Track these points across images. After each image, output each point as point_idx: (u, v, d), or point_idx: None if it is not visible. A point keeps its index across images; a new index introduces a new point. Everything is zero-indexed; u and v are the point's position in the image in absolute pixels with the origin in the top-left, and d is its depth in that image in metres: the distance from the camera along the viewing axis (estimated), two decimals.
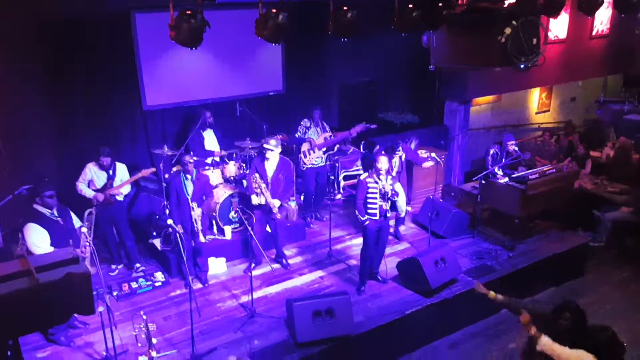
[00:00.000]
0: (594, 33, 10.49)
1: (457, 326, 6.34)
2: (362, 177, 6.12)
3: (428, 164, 7.58)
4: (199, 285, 6.47)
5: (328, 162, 8.10)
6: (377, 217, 6.05)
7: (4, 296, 3.44)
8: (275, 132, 8.30)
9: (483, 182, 7.50)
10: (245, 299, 6.16)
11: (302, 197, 8.11)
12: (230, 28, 7.57)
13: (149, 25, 7.22)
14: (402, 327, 5.89)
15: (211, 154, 7.53)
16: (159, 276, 6.53)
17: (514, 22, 5.70)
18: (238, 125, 8.24)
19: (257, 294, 6.17)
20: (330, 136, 7.77)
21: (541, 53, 5.99)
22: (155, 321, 5.42)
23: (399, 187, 7.26)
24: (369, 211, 6.04)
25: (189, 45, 4.61)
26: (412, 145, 7.90)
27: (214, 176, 7.24)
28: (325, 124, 7.83)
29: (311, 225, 7.95)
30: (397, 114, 10.02)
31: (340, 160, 8.68)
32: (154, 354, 4.81)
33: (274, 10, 4.84)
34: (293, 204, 7.66)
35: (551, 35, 9.56)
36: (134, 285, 6.36)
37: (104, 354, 5.18)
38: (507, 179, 7.38)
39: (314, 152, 7.68)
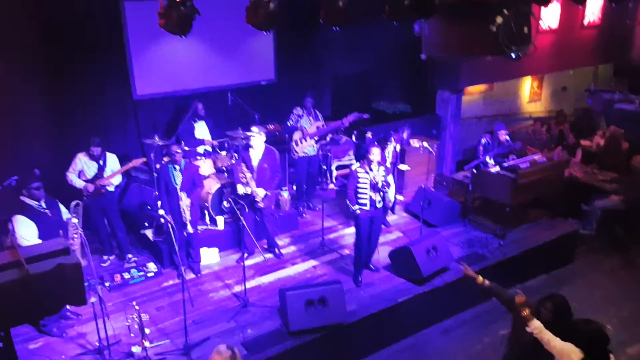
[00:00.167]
0: (585, 22, 10.52)
1: (448, 313, 6.39)
2: (353, 167, 6.13)
3: (415, 143, 7.54)
4: (192, 276, 6.46)
5: (320, 152, 8.10)
6: (368, 208, 6.06)
7: None
8: (268, 121, 8.28)
9: (474, 171, 7.52)
10: (238, 288, 6.16)
11: (294, 187, 8.10)
12: (221, 16, 7.50)
13: (139, 14, 7.14)
14: (395, 315, 5.94)
15: (202, 142, 7.50)
16: (152, 267, 6.52)
17: (505, 11, 5.70)
18: (230, 114, 8.20)
19: (250, 284, 6.17)
20: (323, 125, 7.76)
21: (532, 42, 6.00)
22: (148, 311, 5.44)
23: (390, 178, 7.28)
24: (360, 201, 6.06)
25: (178, 33, 4.58)
26: (405, 135, 7.91)
27: (205, 166, 7.21)
28: (317, 113, 7.81)
29: (304, 215, 7.95)
30: (389, 103, 10.01)
31: (333, 150, 8.67)
32: (147, 344, 4.83)
33: None
34: (285, 194, 7.66)
35: (543, 25, 9.57)
36: (126, 275, 6.34)
37: (97, 344, 5.18)
38: (498, 168, 7.41)
39: (306, 141, 7.67)
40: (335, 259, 6.87)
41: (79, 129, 7.04)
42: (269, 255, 6.85)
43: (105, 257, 6.75)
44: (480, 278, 4.38)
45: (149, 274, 6.42)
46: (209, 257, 6.74)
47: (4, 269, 3.68)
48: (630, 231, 8.04)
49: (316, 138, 7.74)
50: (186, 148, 7.09)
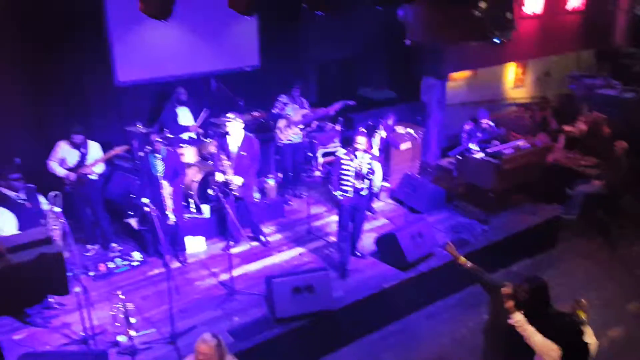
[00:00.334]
0: (568, 8, 10.56)
1: (434, 298, 6.45)
2: (338, 153, 6.13)
3: (405, 145, 7.55)
4: (178, 264, 6.43)
5: (306, 139, 8.07)
6: (351, 195, 6.06)
7: None
8: (252, 108, 8.22)
9: (459, 157, 7.56)
10: (224, 277, 6.15)
11: (280, 175, 8.07)
12: (203, 0, 7.40)
13: None
14: (381, 300, 5.97)
15: (186, 129, 7.42)
16: (136, 256, 6.47)
17: None
18: (214, 101, 8.12)
19: (236, 272, 6.15)
20: (308, 113, 7.72)
21: (515, 27, 6.02)
22: (134, 301, 5.40)
23: (376, 165, 7.28)
24: (342, 187, 6.05)
25: (158, 17, 4.51)
26: (390, 122, 7.92)
27: (189, 154, 7.15)
28: (303, 100, 7.77)
29: (290, 203, 7.94)
30: (375, 89, 9.99)
31: (318, 137, 8.65)
32: (132, 333, 4.79)
33: None
34: (271, 182, 7.63)
35: (527, 10, 9.60)
36: (110, 265, 6.29)
37: (82, 334, 5.13)
38: (482, 154, 7.45)
39: (291, 129, 7.63)
40: (321, 246, 6.87)
41: (60, 116, 6.93)
42: (254, 243, 6.83)
43: (89, 247, 6.68)
44: (462, 259, 4.41)
45: (134, 263, 6.37)
46: (195, 245, 6.71)
47: None
48: (612, 215, 8.16)
49: (301, 126, 7.71)
50: (170, 135, 7.02)
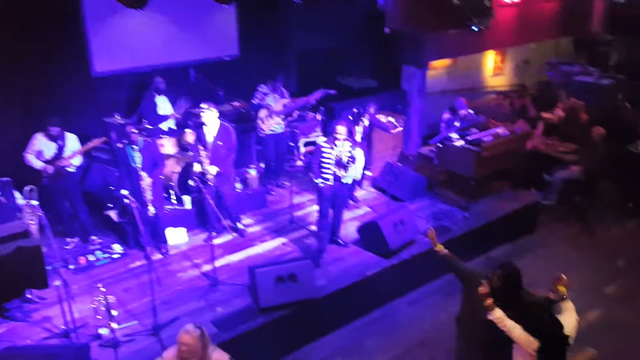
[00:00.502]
0: None
1: (416, 285, 6.50)
2: (319, 142, 6.14)
3: (396, 130, 7.54)
4: (160, 256, 6.38)
5: (287, 129, 8.04)
6: (331, 182, 6.07)
7: None
8: (232, 98, 8.16)
9: (439, 145, 7.61)
10: (207, 268, 6.12)
11: (262, 165, 8.04)
12: None
13: None
14: (364, 288, 6.01)
15: (165, 118, 7.34)
16: (117, 248, 6.41)
17: None
18: (193, 91, 8.04)
19: (219, 263, 6.13)
20: (289, 102, 7.69)
21: (494, 15, 6.05)
22: (115, 293, 5.35)
23: (358, 154, 7.27)
24: (323, 175, 6.06)
25: (134, 6, 4.45)
26: (372, 111, 7.91)
27: (168, 145, 7.08)
28: (284, 90, 7.73)
29: (272, 193, 7.91)
30: (355, 78, 9.98)
31: (300, 127, 8.63)
32: (114, 325, 4.76)
33: None
34: (253, 172, 7.60)
35: None
36: (91, 258, 6.22)
37: (63, 327, 5.08)
38: (462, 141, 7.51)
39: (273, 119, 7.60)
40: (304, 236, 6.88)
41: (36, 108, 6.81)
42: (235, 234, 6.81)
43: (68, 240, 6.60)
44: (439, 246, 4.44)
45: (115, 256, 6.31)
46: (177, 237, 6.67)
47: None
48: (589, 200, 8.31)
49: (282, 116, 7.67)
50: (149, 126, 6.95)
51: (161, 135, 7.17)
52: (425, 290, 6.55)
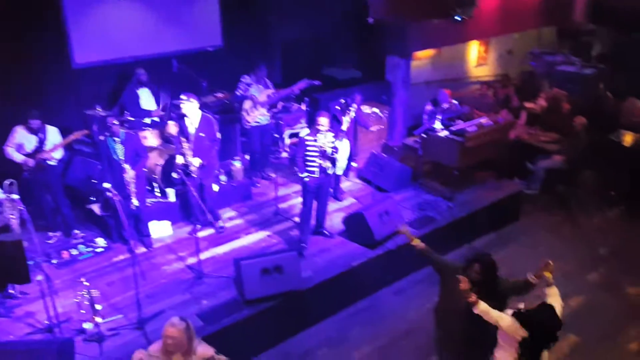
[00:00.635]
0: None
1: (401, 275, 6.54)
2: (301, 135, 6.11)
3: (375, 127, 7.52)
4: (144, 250, 6.33)
5: (272, 120, 7.99)
6: (317, 175, 6.06)
7: None
8: (216, 89, 8.09)
9: (424, 135, 7.63)
10: (192, 260, 6.09)
11: (247, 157, 8.00)
12: None
13: None
14: (350, 279, 6.03)
15: (148, 113, 7.26)
16: (100, 242, 6.35)
17: None
18: (176, 82, 7.95)
19: (204, 255, 6.10)
20: (273, 93, 7.64)
21: (477, 4, 6.05)
22: (99, 287, 5.30)
23: (344, 144, 7.24)
24: (308, 168, 6.04)
25: None
26: (357, 101, 7.88)
27: (151, 137, 7.01)
28: (267, 81, 7.67)
29: (257, 185, 7.88)
30: (340, 69, 9.94)
31: (285, 118, 8.59)
32: (99, 320, 4.73)
33: None
34: (238, 164, 7.56)
35: None
36: (74, 252, 6.16)
37: (47, 322, 5.03)
38: (446, 132, 7.54)
39: (257, 110, 7.55)
40: (289, 227, 6.87)
41: (15, 101, 6.68)
42: (221, 223, 6.78)
43: (50, 234, 6.53)
44: (416, 240, 4.45)
45: (98, 250, 6.25)
46: (161, 230, 6.62)
47: None
48: (572, 189, 8.41)
49: (267, 107, 7.63)
50: (130, 118, 6.87)
51: (144, 127, 7.09)
52: (410, 279, 6.59)
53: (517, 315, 3.79)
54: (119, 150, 5.90)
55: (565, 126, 8.66)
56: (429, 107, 7.94)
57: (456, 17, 5.93)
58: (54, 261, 6.02)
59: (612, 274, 6.75)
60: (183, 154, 6.23)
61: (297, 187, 7.79)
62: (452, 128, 7.55)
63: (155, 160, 6.81)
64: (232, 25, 8.40)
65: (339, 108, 7.18)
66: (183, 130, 6.27)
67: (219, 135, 6.51)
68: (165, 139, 7.23)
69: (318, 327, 5.83)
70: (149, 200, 6.60)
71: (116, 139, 5.90)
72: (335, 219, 6.85)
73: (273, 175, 7.69)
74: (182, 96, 6.25)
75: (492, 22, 9.75)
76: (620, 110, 9.72)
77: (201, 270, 5.85)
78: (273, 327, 5.47)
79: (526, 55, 11.81)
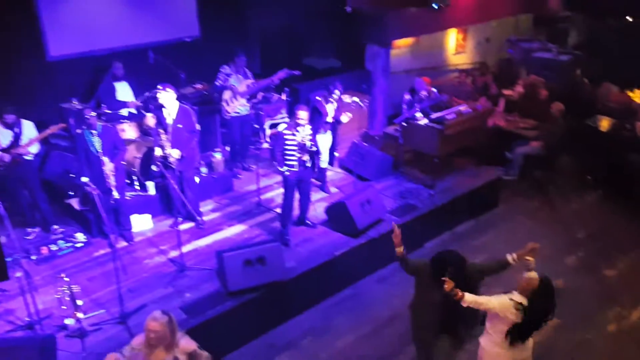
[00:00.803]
0: None
1: (384, 262, 6.57)
2: (279, 129, 6.08)
3: (345, 118, 7.47)
4: (124, 244, 6.27)
5: (252, 111, 7.94)
6: (296, 169, 6.05)
7: None
8: (194, 80, 8.01)
9: (404, 124, 7.67)
10: (174, 253, 6.05)
11: (227, 148, 7.95)
12: None
13: None
14: (333, 268, 6.06)
15: (124, 105, 7.16)
16: (80, 237, 6.27)
17: None
18: (153, 74, 7.83)
19: (186, 248, 6.07)
20: (253, 83, 7.59)
21: None
22: (80, 283, 5.23)
23: (327, 137, 7.23)
24: (288, 162, 6.03)
25: None
26: (337, 92, 7.86)
27: (130, 130, 6.92)
28: (247, 71, 7.61)
29: (238, 176, 7.84)
30: (319, 59, 9.90)
31: (265, 109, 8.54)
32: (80, 315, 4.68)
33: None
34: (218, 155, 7.51)
35: None
36: (53, 247, 6.07)
37: (27, 319, 4.97)
38: (426, 120, 7.57)
39: (237, 100, 7.49)
40: (272, 218, 6.86)
41: None
42: (206, 218, 6.74)
43: (29, 230, 6.43)
44: (399, 249, 4.46)
45: (78, 245, 6.18)
46: (141, 223, 6.56)
47: None
48: (550, 175, 8.53)
49: (247, 97, 7.57)
50: (107, 111, 6.77)
51: (121, 120, 6.99)
52: (393, 267, 6.62)
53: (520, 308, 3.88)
54: (97, 144, 5.82)
55: (542, 112, 8.77)
56: (407, 97, 7.97)
57: (434, 5, 5.93)
58: (33, 257, 5.93)
59: (590, 257, 6.89)
60: (162, 146, 6.17)
61: (279, 178, 7.77)
62: (432, 116, 7.59)
63: (134, 153, 6.73)
64: (209, 16, 8.30)
65: (320, 99, 7.16)
66: (161, 122, 6.20)
67: (198, 126, 6.45)
68: (144, 131, 7.14)
69: (302, 317, 5.86)
70: (128, 194, 6.53)
71: (93, 132, 5.81)
72: (318, 208, 6.86)
73: (254, 166, 7.66)
74: (158, 86, 6.17)
75: (469, 10, 9.81)
76: (597, 96, 9.88)
77: (183, 263, 5.82)
78: (256, 318, 5.48)
79: (504, 43, 11.91)
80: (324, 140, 7.29)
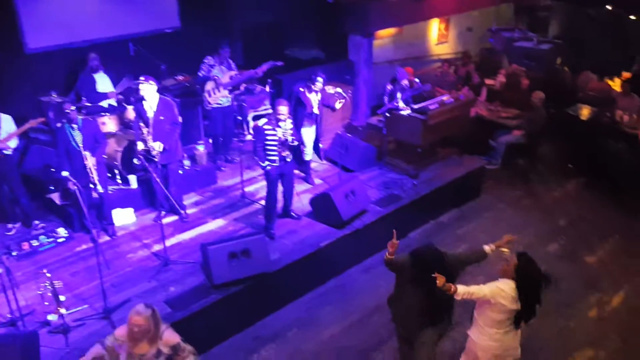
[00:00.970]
0: None
1: (369, 253, 6.60)
2: (259, 124, 6.03)
3: (339, 104, 7.47)
4: (107, 238, 6.21)
5: (235, 102, 7.89)
6: (277, 164, 6.03)
7: None
8: (176, 72, 7.92)
9: (387, 115, 7.68)
10: (157, 247, 6.01)
11: (210, 141, 7.89)
12: None
13: None
14: (318, 259, 6.07)
15: (105, 96, 7.05)
16: (61, 232, 6.19)
17: None
18: (134, 66, 7.73)
19: (169, 242, 6.04)
20: (236, 74, 7.52)
21: None
22: (62, 278, 5.20)
23: (311, 130, 7.19)
24: (269, 157, 6.00)
25: None
26: (320, 81, 7.83)
27: (110, 123, 6.83)
28: (231, 62, 7.55)
29: (222, 169, 7.80)
30: (302, 49, 9.85)
31: (248, 100, 8.48)
32: (63, 311, 4.64)
33: None
34: (201, 148, 7.46)
35: None
36: (34, 243, 5.99)
37: (9, 316, 4.91)
38: (409, 110, 7.59)
39: (219, 92, 7.43)
40: (256, 211, 6.84)
41: None
42: (190, 211, 6.70)
43: (10, 226, 6.33)
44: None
45: (60, 240, 6.10)
46: (124, 217, 6.50)
47: None
48: (532, 163, 8.63)
49: (230, 88, 7.52)
50: (87, 104, 6.67)
51: (102, 113, 6.90)
52: (379, 257, 6.56)
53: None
54: (77, 137, 5.73)
55: (524, 101, 8.85)
56: (389, 87, 7.97)
57: None
58: (14, 253, 5.85)
59: (571, 244, 6.99)
60: (143, 140, 6.10)
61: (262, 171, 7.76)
62: (415, 106, 7.61)
63: (115, 147, 6.65)
64: (190, 6, 8.19)
65: (303, 90, 7.13)
66: (141, 114, 6.12)
67: (180, 119, 6.38)
68: (125, 124, 7.05)
69: (287, 309, 5.87)
70: (110, 188, 6.45)
71: (74, 125, 5.72)
72: (303, 200, 6.86)
73: (237, 158, 7.62)
74: (141, 78, 6.09)
75: (451, 0, 9.83)
76: (577, 85, 9.99)
77: (167, 257, 5.79)
78: (242, 311, 5.48)
79: (485, 32, 11.95)
80: (309, 133, 7.27)
